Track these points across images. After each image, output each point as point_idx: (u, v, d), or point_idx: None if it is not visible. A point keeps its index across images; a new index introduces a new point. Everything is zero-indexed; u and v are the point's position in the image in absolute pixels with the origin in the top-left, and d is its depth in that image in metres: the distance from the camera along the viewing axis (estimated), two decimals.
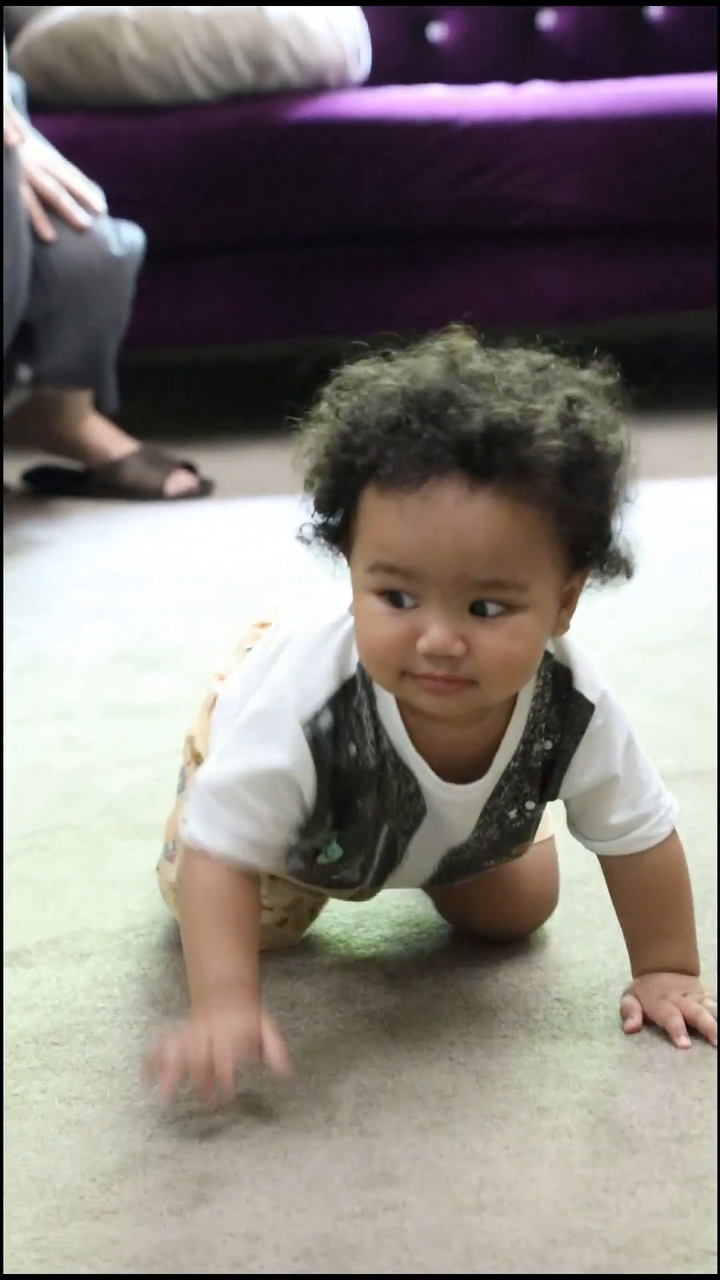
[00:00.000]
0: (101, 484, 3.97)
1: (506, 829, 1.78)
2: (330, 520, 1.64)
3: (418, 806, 1.73)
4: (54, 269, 3.66)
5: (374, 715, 1.69)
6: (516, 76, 4.50)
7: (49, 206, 3.65)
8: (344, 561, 1.66)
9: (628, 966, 1.93)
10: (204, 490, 3.93)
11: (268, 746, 1.68)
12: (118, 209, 3.82)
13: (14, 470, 4.07)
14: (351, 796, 1.72)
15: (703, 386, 4.37)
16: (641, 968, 1.83)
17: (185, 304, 4.23)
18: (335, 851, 1.78)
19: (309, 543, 1.68)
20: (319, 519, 1.65)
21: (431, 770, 1.71)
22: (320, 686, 1.69)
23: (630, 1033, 1.76)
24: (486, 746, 1.71)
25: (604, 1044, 1.79)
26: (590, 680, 1.73)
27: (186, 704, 2.47)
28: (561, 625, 1.66)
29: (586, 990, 1.87)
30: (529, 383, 1.57)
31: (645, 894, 1.81)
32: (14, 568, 3.50)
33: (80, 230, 3.68)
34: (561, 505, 1.55)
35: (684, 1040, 1.74)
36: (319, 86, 4.29)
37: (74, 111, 4.16)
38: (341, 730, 1.69)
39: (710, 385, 4.36)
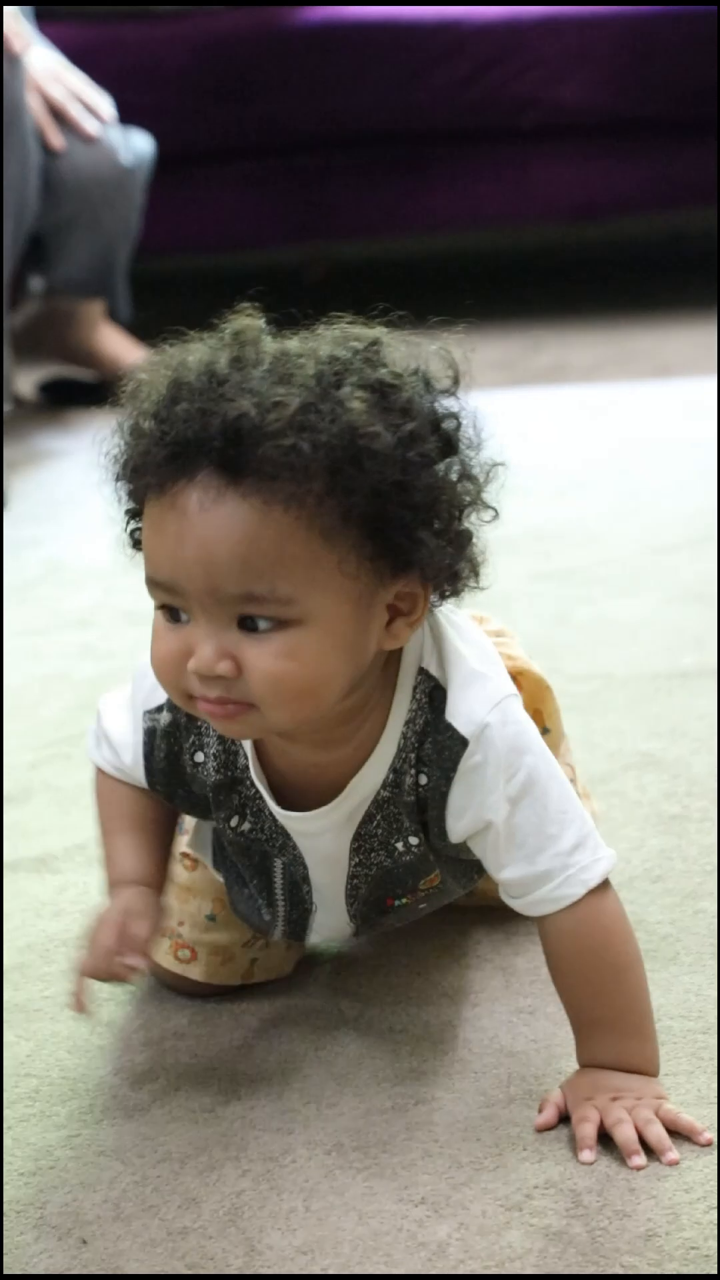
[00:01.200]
0: (115, 394, 3.94)
1: (399, 860, 1.55)
2: (132, 530, 1.46)
3: (269, 833, 1.57)
4: (63, 179, 3.65)
5: None
6: None
7: (58, 115, 3.64)
8: None
9: (667, 864, 1.93)
10: None
11: (121, 716, 1.61)
12: (127, 116, 3.81)
13: (28, 381, 4.07)
14: (208, 810, 1.58)
15: (712, 278, 4.36)
16: (580, 1059, 1.54)
17: (196, 211, 4.22)
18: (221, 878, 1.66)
19: (132, 548, 1.47)
20: (131, 527, 1.46)
21: (269, 792, 1.53)
22: None
23: (538, 1129, 1.50)
24: (350, 771, 1.50)
25: None
26: (469, 709, 1.47)
27: None
28: (394, 638, 1.43)
29: (620, 885, 1.88)
30: (298, 370, 1.35)
31: (570, 970, 1.53)
32: (29, 478, 3.51)
33: (89, 139, 3.67)
34: (332, 507, 1.33)
35: (638, 1160, 1.45)
36: None
37: (81, 18, 4.14)
38: (183, 733, 1.55)
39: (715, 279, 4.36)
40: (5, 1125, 1.57)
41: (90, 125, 3.67)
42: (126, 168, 3.75)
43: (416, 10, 4.16)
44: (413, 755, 1.49)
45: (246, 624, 1.35)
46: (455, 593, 1.47)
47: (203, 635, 1.36)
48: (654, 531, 2.95)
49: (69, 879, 1.98)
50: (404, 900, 1.61)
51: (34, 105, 3.57)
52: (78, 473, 3.50)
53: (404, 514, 1.36)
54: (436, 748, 1.48)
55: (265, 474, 1.31)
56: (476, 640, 1.55)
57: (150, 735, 1.56)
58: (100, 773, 1.66)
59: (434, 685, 1.49)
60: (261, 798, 1.54)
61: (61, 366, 4.07)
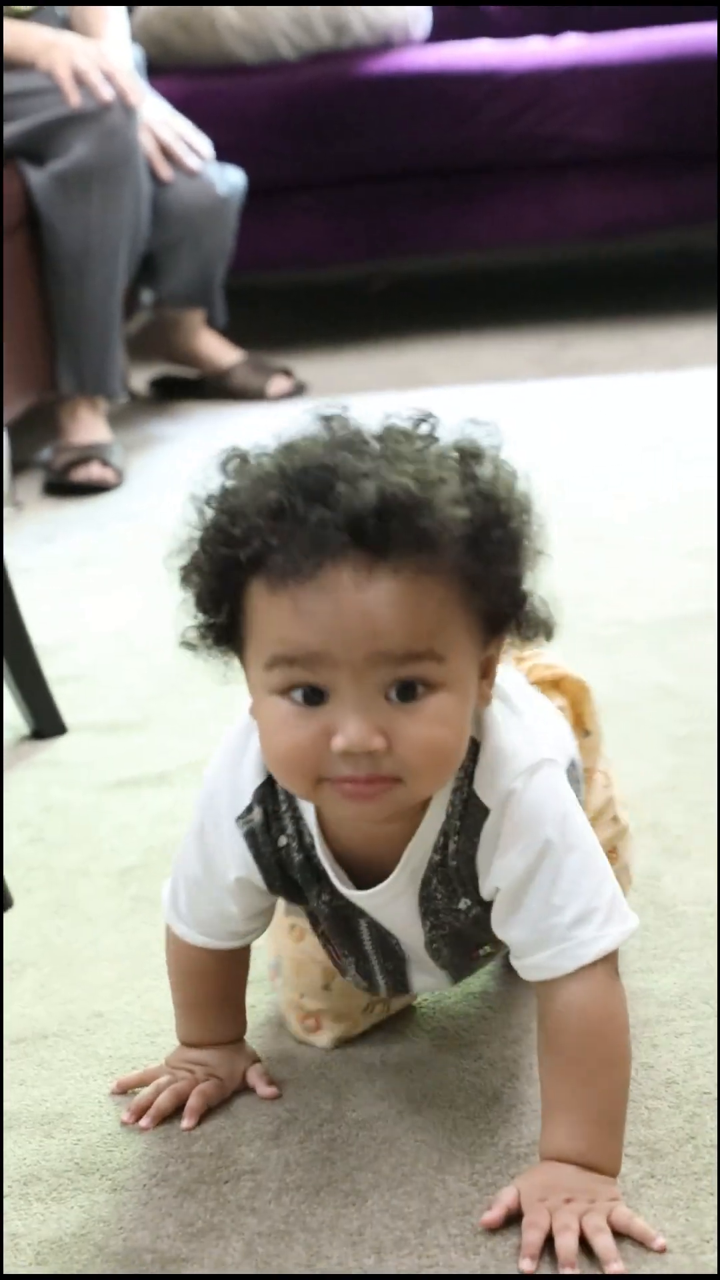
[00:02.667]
0: (214, 389, 3.97)
1: (466, 918, 1.35)
2: (216, 620, 1.25)
3: (347, 906, 1.37)
4: (170, 207, 3.65)
5: (293, 809, 1.34)
6: (553, 29, 4.44)
7: (166, 154, 3.65)
8: (236, 663, 1.29)
9: (680, 777, 1.94)
10: (299, 391, 3.93)
11: (212, 857, 1.38)
12: (220, 155, 3.80)
13: (141, 379, 4.08)
14: (304, 894, 1.39)
15: (714, 290, 4.34)
16: (542, 1149, 1.30)
17: (278, 234, 4.21)
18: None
19: (195, 647, 1.28)
20: (203, 619, 1.26)
21: (335, 871, 1.34)
22: (249, 780, 1.35)
23: (484, 1226, 1.26)
24: (403, 841, 1.32)
25: (650, 839, 1.81)
26: (492, 778, 1.29)
27: None
28: (484, 698, 1.28)
29: (638, 793, 1.88)
30: (417, 443, 1.20)
31: (556, 1048, 1.30)
32: (142, 458, 3.52)
33: (192, 174, 3.67)
34: (470, 573, 1.19)
35: (568, 1270, 1.21)
36: (386, 44, 4.25)
37: (182, 73, 4.14)
38: (271, 823, 1.35)
39: None
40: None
41: (192, 162, 3.68)
42: (222, 197, 3.75)
43: (462, 62, 4.14)
44: (457, 822, 1.30)
45: (403, 692, 1.18)
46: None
47: (352, 710, 1.17)
48: (672, 495, 2.94)
49: (183, 793, 2.00)
50: (488, 949, 1.42)
51: (147, 144, 3.58)
52: (182, 455, 3.52)
53: (512, 577, 1.23)
54: (469, 814, 1.30)
55: (414, 546, 1.15)
56: (517, 695, 1.37)
57: (252, 838, 1.35)
58: (173, 938, 1.45)
59: (474, 749, 1.30)
60: (325, 875, 1.35)
61: (168, 366, 4.08)
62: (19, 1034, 1.58)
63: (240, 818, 1.35)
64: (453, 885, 1.32)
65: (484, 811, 1.29)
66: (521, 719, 1.33)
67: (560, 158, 4.14)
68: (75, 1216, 1.34)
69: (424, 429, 1.23)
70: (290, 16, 4.15)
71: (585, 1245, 1.23)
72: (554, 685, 1.50)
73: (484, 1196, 1.30)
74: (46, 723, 2.20)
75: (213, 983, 1.47)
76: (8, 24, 3.44)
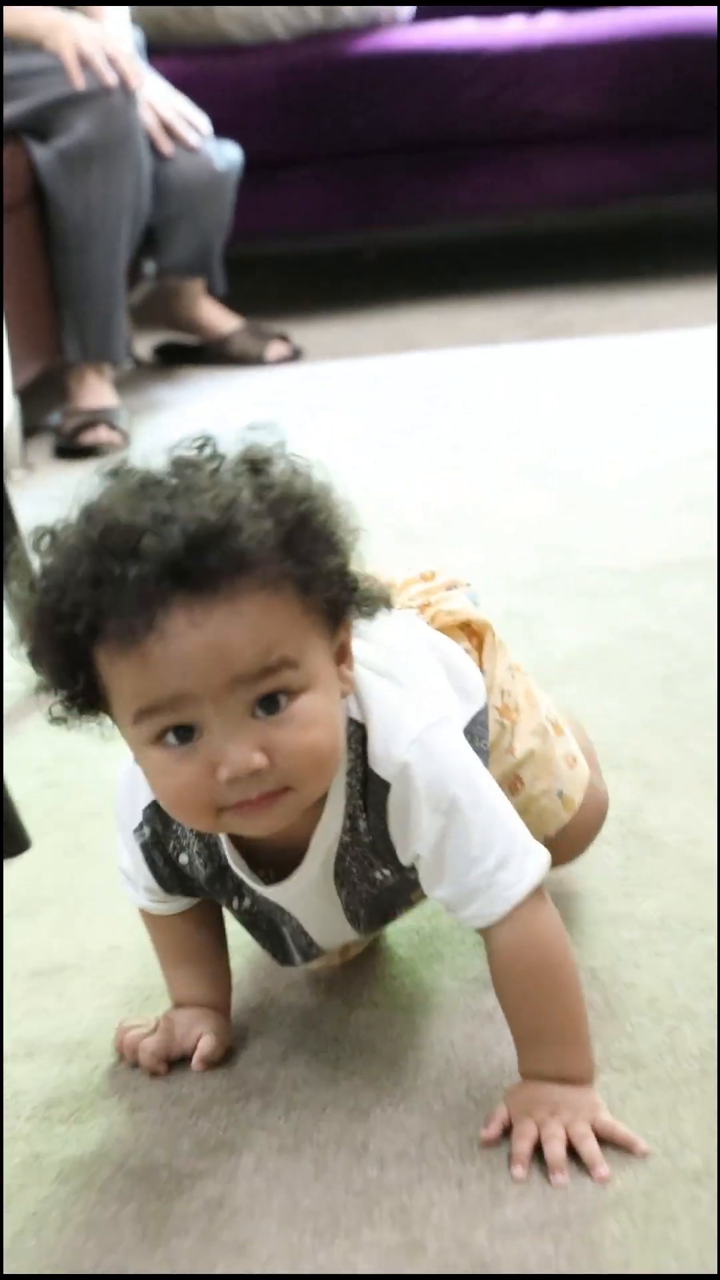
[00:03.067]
0: (214, 354, 3.96)
1: (383, 887, 1.33)
2: (75, 690, 1.19)
3: (267, 904, 1.35)
4: (170, 182, 3.65)
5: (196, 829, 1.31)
6: (532, 8, 4.42)
7: (168, 131, 3.64)
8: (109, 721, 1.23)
9: (662, 716, 1.94)
10: (296, 355, 3.92)
11: (123, 851, 1.39)
12: (217, 131, 3.79)
13: (145, 346, 4.07)
14: (207, 890, 1.37)
15: (690, 254, 4.32)
16: (521, 1070, 1.31)
17: (274, 205, 4.19)
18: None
19: (65, 720, 1.23)
20: (63, 693, 1.21)
21: (250, 875, 1.31)
22: (142, 798, 1.33)
23: (484, 1142, 1.28)
24: (310, 830, 1.29)
25: (632, 773, 1.81)
26: (386, 752, 1.25)
27: None
28: (346, 683, 1.23)
29: (621, 731, 1.89)
30: (206, 469, 1.16)
31: (510, 984, 1.29)
32: (146, 422, 3.52)
33: (192, 150, 3.67)
34: (296, 576, 1.15)
35: (559, 1178, 1.23)
36: (374, 24, 4.23)
37: (180, 54, 4.11)
38: (165, 841, 1.34)
39: (694, 252, 4.32)
40: None
41: (192, 138, 3.67)
42: (220, 172, 3.74)
43: (446, 41, 4.12)
44: (360, 801, 1.27)
45: (267, 705, 1.15)
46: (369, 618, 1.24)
47: (227, 739, 1.14)
48: (649, 451, 2.94)
49: None
50: (405, 910, 1.42)
51: (149, 121, 3.57)
52: (184, 419, 3.51)
53: (336, 567, 1.18)
54: (371, 792, 1.26)
55: (236, 568, 1.12)
56: (399, 663, 1.32)
57: (147, 850, 1.35)
58: (143, 911, 1.45)
59: (361, 731, 1.27)
60: (241, 880, 1.32)
61: (170, 333, 4.07)
62: (40, 967, 1.59)
63: (135, 830, 1.35)
64: (368, 859, 1.30)
65: (385, 786, 1.26)
66: (403, 688, 1.30)
67: (539, 131, 4.12)
68: (95, 1136, 1.35)
69: (208, 452, 1.19)
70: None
71: (573, 1153, 1.25)
72: (461, 629, 1.44)
73: (479, 1110, 1.32)
74: None
75: (175, 943, 1.45)
76: (14, 5, 3.43)
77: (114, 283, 3.50)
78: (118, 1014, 1.50)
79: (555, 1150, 1.24)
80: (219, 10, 4.13)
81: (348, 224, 4.28)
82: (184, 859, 1.33)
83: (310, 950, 1.40)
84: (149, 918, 1.45)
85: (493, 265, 4.59)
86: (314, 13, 4.16)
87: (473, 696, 1.39)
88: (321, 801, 1.27)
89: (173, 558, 1.11)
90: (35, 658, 1.20)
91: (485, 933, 1.28)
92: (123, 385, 3.71)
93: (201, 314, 3.96)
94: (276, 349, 3.91)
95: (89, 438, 3.37)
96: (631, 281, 4.22)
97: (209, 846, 1.32)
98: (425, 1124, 1.32)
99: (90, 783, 1.93)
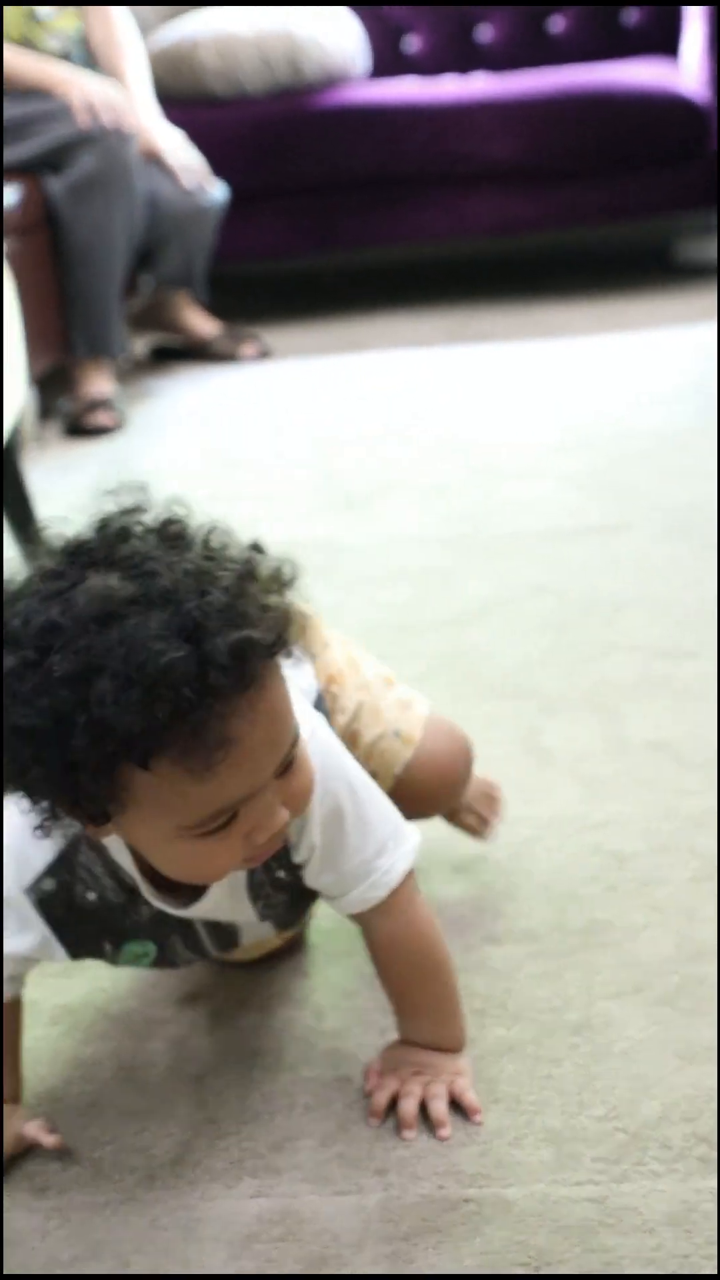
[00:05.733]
0: (198, 353, 3.93)
1: (291, 886, 1.16)
2: (76, 801, 0.97)
3: (179, 922, 1.15)
4: (162, 210, 3.62)
5: (107, 865, 1.09)
6: (464, 69, 4.39)
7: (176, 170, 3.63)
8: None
9: (551, 655, 1.93)
10: (266, 354, 3.89)
11: (8, 931, 1.12)
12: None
13: (141, 346, 4.04)
14: (122, 940, 1.15)
15: (583, 275, 4.30)
16: (400, 1034, 1.23)
17: (249, 233, 4.15)
18: (145, 954, 1.17)
19: (46, 831, 1.01)
20: (55, 805, 0.98)
21: (164, 901, 1.11)
22: (39, 854, 1.09)
23: (366, 1094, 1.20)
24: None
25: (529, 701, 1.81)
26: None
27: (263, 496, 2.47)
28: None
29: (518, 667, 1.89)
30: (199, 565, 0.95)
31: (390, 966, 1.19)
32: (143, 409, 3.48)
33: (186, 192, 3.66)
34: (278, 639, 0.97)
35: (408, 1133, 1.16)
36: (333, 81, 4.18)
37: (175, 106, 4.06)
38: (72, 884, 1.10)
39: (586, 274, 4.30)
40: None
41: (187, 176, 3.65)
42: (205, 205, 3.71)
43: (391, 95, 4.08)
44: None
45: (289, 766, 1.01)
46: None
47: (268, 813, 0.99)
48: (549, 435, 2.93)
49: None
50: (315, 905, 1.25)
51: (171, 165, 3.59)
52: (174, 405, 3.49)
53: (286, 610, 0.97)
54: None
55: (262, 658, 0.94)
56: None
57: (46, 905, 1.11)
58: None
59: None
60: (157, 906, 1.11)
61: (163, 335, 4.03)
62: None
63: (31, 887, 1.10)
64: (268, 864, 1.12)
65: None
66: None
67: (467, 173, 4.09)
68: (81, 988, 1.35)
69: (151, 541, 0.98)
70: (257, 60, 4.08)
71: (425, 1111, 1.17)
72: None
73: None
74: None
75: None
76: (41, 57, 3.42)
77: (113, 292, 3.48)
78: None
79: (407, 1106, 1.17)
80: (201, 69, 4.07)
81: (309, 248, 4.24)
82: (91, 896, 1.10)
83: (227, 944, 1.21)
84: None
85: (427, 283, 4.55)
86: (283, 71, 4.11)
87: (308, 688, 1.24)
88: None
89: (226, 663, 0.91)
90: (20, 776, 0.95)
91: (364, 919, 1.16)
92: (123, 378, 3.68)
93: (188, 320, 3.92)
94: (249, 348, 3.89)
95: (91, 420, 3.35)
96: (537, 297, 4.21)
97: (116, 878, 1.10)
98: (357, 983, 1.32)
99: None
